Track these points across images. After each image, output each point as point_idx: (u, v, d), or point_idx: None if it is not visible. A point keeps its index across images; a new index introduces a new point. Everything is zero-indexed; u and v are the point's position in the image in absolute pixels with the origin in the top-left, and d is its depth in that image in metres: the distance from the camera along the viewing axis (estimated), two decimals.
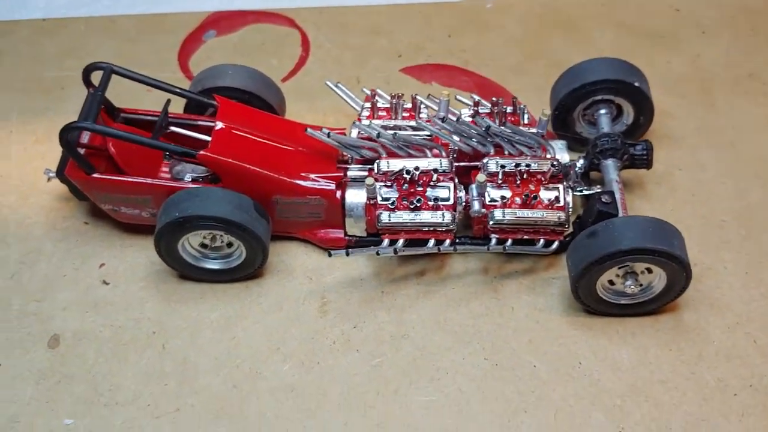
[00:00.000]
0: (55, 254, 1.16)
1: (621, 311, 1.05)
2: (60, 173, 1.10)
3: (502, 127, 1.06)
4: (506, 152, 1.07)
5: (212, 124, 1.10)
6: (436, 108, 1.11)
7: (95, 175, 1.07)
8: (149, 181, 1.07)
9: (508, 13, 1.49)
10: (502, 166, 1.05)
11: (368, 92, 1.15)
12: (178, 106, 1.17)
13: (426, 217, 1.04)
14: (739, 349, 1.04)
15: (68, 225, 1.19)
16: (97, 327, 1.08)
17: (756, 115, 1.31)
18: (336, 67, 1.41)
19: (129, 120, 1.14)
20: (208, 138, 1.08)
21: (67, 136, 1.03)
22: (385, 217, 1.04)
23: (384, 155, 1.08)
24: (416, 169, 1.04)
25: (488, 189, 1.05)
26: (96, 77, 1.11)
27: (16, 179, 1.25)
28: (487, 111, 1.12)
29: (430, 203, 1.04)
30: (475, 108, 1.12)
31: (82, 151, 1.07)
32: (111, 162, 1.10)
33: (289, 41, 1.46)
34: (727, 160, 1.25)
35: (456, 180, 1.06)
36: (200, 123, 1.13)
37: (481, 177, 1.03)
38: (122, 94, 1.20)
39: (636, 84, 1.15)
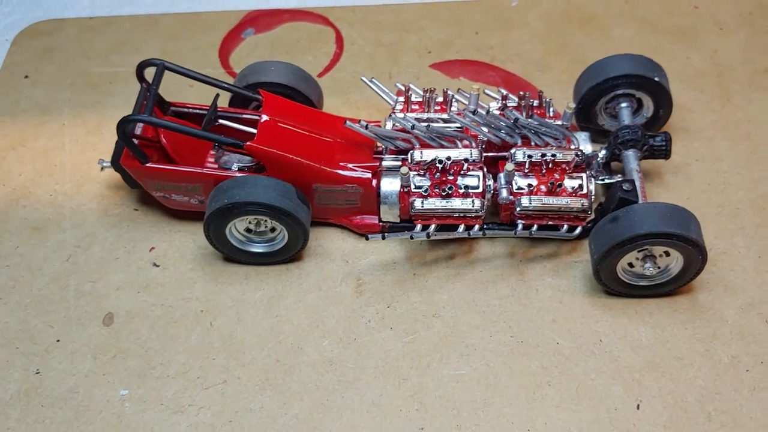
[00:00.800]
0: (108, 239, 1.23)
1: (640, 292, 1.12)
2: (115, 163, 1.17)
3: (530, 120, 1.12)
4: (533, 143, 1.14)
5: (257, 117, 1.17)
6: (466, 102, 1.18)
7: (149, 165, 1.14)
8: (201, 170, 1.14)
9: (533, 10, 1.54)
10: (529, 156, 1.11)
11: (402, 87, 1.22)
12: (222, 100, 1.23)
13: (457, 203, 1.10)
14: (752, 329, 1.09)
15: (120, 211, 1.27)
16: (149, 306, 1.16)
17: None
18: (368, 63, 1.47)
19: (178, 113, 1.22)
20: (253, 130, 1.15)
21: (125, 128, 1.10)
22: (418, 203, 1.11)
23: (417, 146, 1.15)
24: (448, 158, 1.11)
25: (516, 177, 1.12)
26: (149, 73, 1.18)
27: (70, 169, 1.32)
28: (515, 104, 1.18)
29: (461, 191, 1.11)
30: (504, 101, 1.19)
31: (136, 142, 1.14)
32: (162, 152, 1.18)
33: (324, 38, 1.52)
34: (742, 151, 1.30)
35: (485, 169, 1.12)
36: (246, 116, 1.20)
37: (509, 166, 1.10)
38: (166, 88, 1.26)
39: (656, 79, 1.20)
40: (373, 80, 1.25)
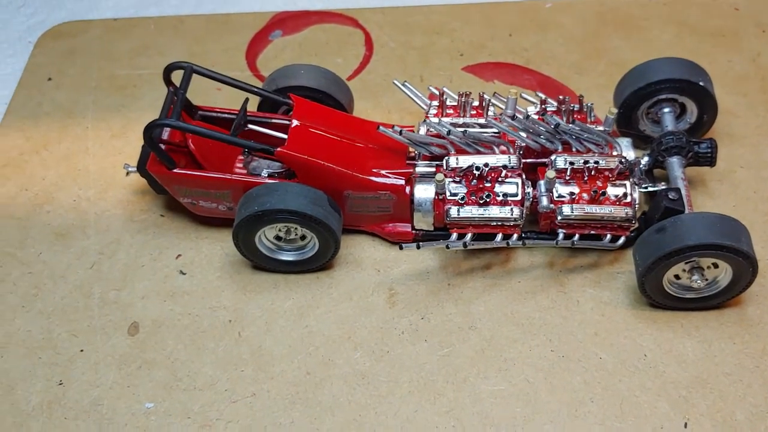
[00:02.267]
0: (133, 245, 1.21)
1: (686, 305, 1.08)
2: (141, 168, 1.15)
3: (571, 125, 1.08)
4: (574, 149, 1.10)
5: (287, 122, 1.13)
6: (503, 106, 1.14)
7: (176, 170, 1.11)
8: (230, 176, 1.11)
9: (568, 12, 1.50)
10: (571, 163, 1.07)
11: (435, 91, 1.18)
12: (251, 104, 1.21)
13: (494, 212, 1.06)
14: None
15: (145, 218, 1.24)
16: (176, 315, 1.13)
17: None
18: (399, 66, 1.44)
19: (206, 117, 1.19)
20: (283, 135, 1.12)
21: (152, 133, 1.07)
22: (454, 211, 1.07)
23: (453, 152, 1.11)
24: (486, 165, 1.07)
25: (556, 185, 1.08)
26: (176, 76, 1.15)
27: (94, 173, 1.30)
28: (554, 109, 1.14)
29: (499, 198, 1.07)
30: (543, 106, 1.15)
31: (162, 147, 1.11)
32: (189, 157, 1.14)
33: (353, 40, 1.49)
34: None
35: (524, 176, 1.09)
36: (275, 121, 1.17)
37: (550, 173, 1.06)
38: (193, 92, 1.24)
39: (701, 83, 1.17)
40: (406, 83, 1.21)
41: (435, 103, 1.18)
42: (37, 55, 1.50)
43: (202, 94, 1.33)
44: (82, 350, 1.10)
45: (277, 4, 1.58)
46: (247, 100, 1.16)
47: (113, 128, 1.36)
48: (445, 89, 1.18)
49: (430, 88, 1.19)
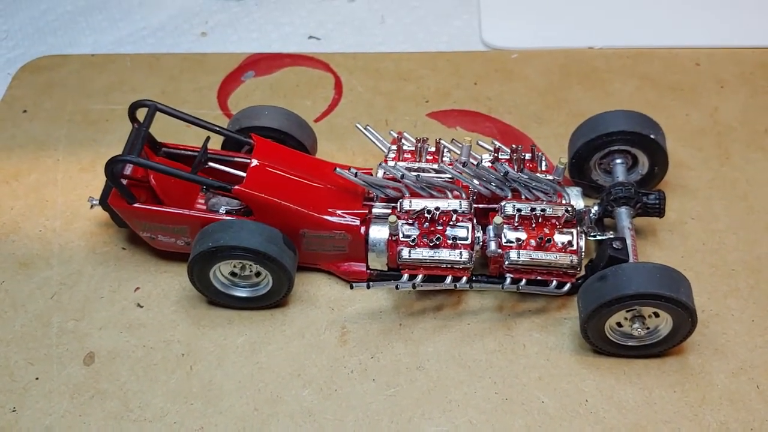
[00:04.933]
0: (94, 277, 1.22)
1: (628, 352, 1.09)
2: (103, 202, 1.17)
3: (520, 173, 1.11)
4: (523, 197, 1.13)
5: (248, 160, 1.16)
6: (459, 152, 1.17)
7: (136, 205, 1.13)
8: (187, 212, 1.14)
9: (533, 62, 1.54)
10: (519, 210, 1.10)
11: (395, 135, 1.22)
12: (215, 141, 1.24)
13: (444, 254, 1.09)
14: (742, 394, 1.07)
15: (107, 250, 1.26)
16: (131, 347, 1.14)
17: None
18: (366, 110, 1.47)
19: (170, 154, 1.21)
20: (243, 173, 1.15)
21: (113, 168, 1.10)
22: (405, 253, 1.09)
23: (407, 195, 1.14)
24: (437, 209, 1.10)
25: (505, 230, 1.10)
26: (141, 113, 1.18)
27: (61, 205, 1.32)
28: (507, 157, 1.17)
29: (449, 242, 1.10)
30: (496, 153, 1.18)
31: (124, 182, 1.14)
32: (151, 193, 1.17)
33: (323, 84, 1.52)
34: (739, 212, 1.28)
35: (474, 221, 1.11)
36: (236, 159, 1.20)
37: (498, 219, 1.09)
38: (164, 128, 1.27)
39: (651, 136, 1.19)
40: (368, 127, 1.24)
41: (394, 147, 1.21)
42: (15, 87, 1.54)
43: (173, 130, 1.36)
44: (37, 378, 1.11)
45: (252, 45, 1.62)
46: (208, 138, 1.19)
47: (83, 161, 1.39)
48: (405, 134, 1.22)
49: (392, 132, 1.23)
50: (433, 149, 1.20)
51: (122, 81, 1.54)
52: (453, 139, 1.21)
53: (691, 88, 1.49)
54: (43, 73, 1.56)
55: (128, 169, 1.16)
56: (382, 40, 1.62)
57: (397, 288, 1.10)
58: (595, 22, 1.62)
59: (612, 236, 1.14)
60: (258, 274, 1.14)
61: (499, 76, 1.52)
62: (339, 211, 1.15)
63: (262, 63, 1.57)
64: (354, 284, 1.11)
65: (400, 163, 1.18)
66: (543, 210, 1.09)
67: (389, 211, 1.16)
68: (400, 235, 1.11)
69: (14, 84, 1.54)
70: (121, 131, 1.43)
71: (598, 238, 1.17)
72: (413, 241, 1.10)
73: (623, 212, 1.16)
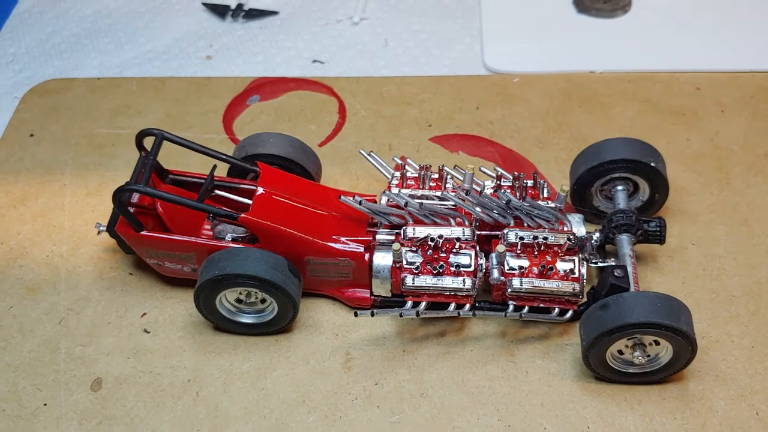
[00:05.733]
0: (101, 302, 1.24)
1: (629, 379, 1.11)
2: (110, 229, 1.18)
3: (522, 201, 1.13)
4: (525, 224, 1.14)
5: (254, 188, 1.18)
6: (462, 179, 1.18)
7: (143, 233, 1.15)
8: (193, 239, 1.15)
9: (535, 86, 1.56)
10: (521, 238, 1.11)
11: (398, 161, 1.23)
12: (222, 168, 1.25)
13: (448, 282, 1.10)
14: (742, 421, 1.08)
15: (114, 275, 1.27)
16: (137, 372, 1.16)
17: None
18: (370, 134, 1.48)
19: (176, 181, 1.23)
20: (249, 201, 1.16)
21: (120, 197, 1.11)
22: (409, 280, 1.11)
23: (411, 222, 1.15)
24: (440, 236, 1.11)
25: (507, 258, 1.11)
26: (148, 141, 1.20)
27: (68, 230, 1.33)
28: (509, 184, 1.19)
29: (452, 269, 1.11)
30: (498, 181, 1.19)
31: (132, 209, 1.15)
32: (158, 220, 1.18)
33: (327, 108, 1.54)
34: (740, 237, 1.29)
35: (477, 248, 1.13)
36: (242, 186, 1.21)
37: (500, 247, 1.10)
38: (171, 153, 1.28)
39: (652, 164, 1.21)
40: (372, 154, 1.26)
41: (398, 173, 1.22)
42: (22, 111, 1.55)
43: (179, 153, 1.36)
44: (45, 404, 1.13)
45: (257, 69, 1.63)
46: (215, 167, 1.20)
47: (89, 186, 1.40)
48: (408, 160, 1.23)
49: (395, 158, 1.24)
50: (436, 176, 1.21)
51: (128, 105, 1.55)
52: (456, 165, 1.22)
53: (692, 113, 1.50)
54: (49, 97, 1.58)
55: (135, 197, 1.18)
56: (385, 64, 1.63)
57: (401, 315, 1.11)
58: (596, 46, 1.63)
59: (613, 263, 1.15)
60: (263, 300, 1.15)
61: (501, 100, 1.53)
62: (343, 238, 1.16)
63: (267, 87, 1.58)
64: (358, 312, 1.13)
65: (404, 191, 1.19)
66: (545, 238, 1.10)
67: (393, 237, 1.17)
68: (404, 262, 1.12)
69: (21, 107, 1.56)
70: (127, 156, 1.45)
71: (600, 264, 1.18)
72: (417, 268, 1.11)
73: (624, 239, 1.17)
